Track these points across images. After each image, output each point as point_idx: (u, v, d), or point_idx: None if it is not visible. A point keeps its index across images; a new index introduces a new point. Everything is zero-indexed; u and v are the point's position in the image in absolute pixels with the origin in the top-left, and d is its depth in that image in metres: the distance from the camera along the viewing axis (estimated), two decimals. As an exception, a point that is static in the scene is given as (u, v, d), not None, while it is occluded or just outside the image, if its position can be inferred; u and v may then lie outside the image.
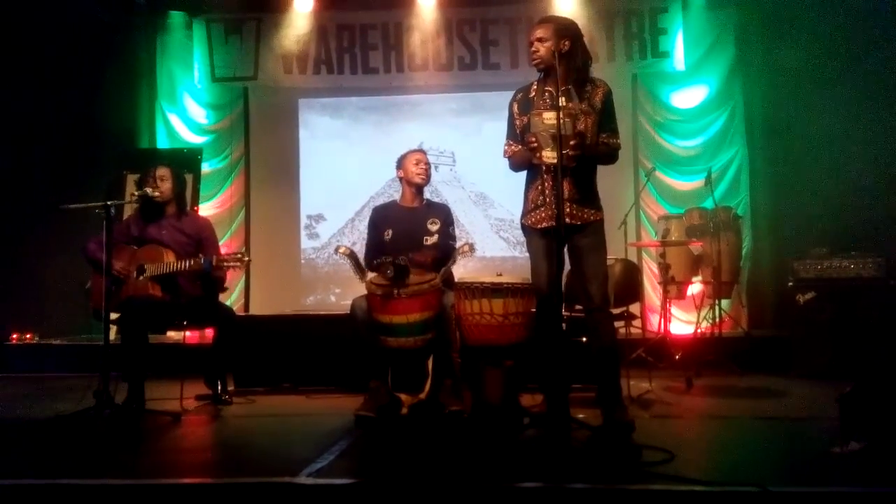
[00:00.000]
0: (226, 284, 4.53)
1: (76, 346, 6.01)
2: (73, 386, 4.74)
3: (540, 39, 3.22)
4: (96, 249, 3.90)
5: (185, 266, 3.95)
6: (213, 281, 4.20)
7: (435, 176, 4.71)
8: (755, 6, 6.72)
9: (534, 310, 3.36)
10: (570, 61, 3.24)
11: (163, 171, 4.21)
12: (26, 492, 2.51)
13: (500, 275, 3.44)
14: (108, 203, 3.69)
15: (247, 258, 3.95)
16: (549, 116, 3.09)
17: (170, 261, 3.99)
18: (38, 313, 6.46)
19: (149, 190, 4.07)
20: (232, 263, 3.92)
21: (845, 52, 5.79)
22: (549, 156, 3.13)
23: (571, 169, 3.16)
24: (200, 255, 4.02)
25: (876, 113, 5.57)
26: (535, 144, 3.13)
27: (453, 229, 4.15)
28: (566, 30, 3.26)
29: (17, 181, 6.36)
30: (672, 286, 5.51)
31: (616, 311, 4.03)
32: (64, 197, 4.02)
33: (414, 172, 4.12)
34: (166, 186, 4.20)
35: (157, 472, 2.70)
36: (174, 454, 3.08)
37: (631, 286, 5.01)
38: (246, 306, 7.24)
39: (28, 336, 6.29)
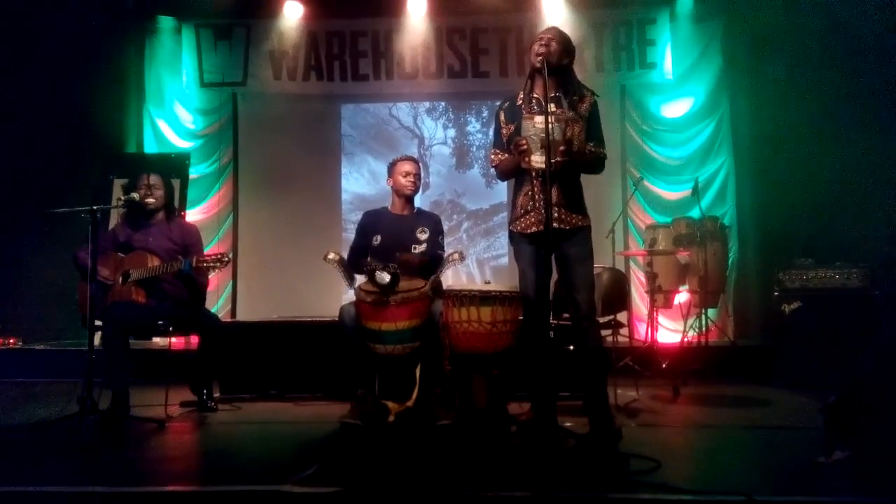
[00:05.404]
0: (212, 289, 4.51)
1: (60, 351, 5.94)
2: (56, 392, 4.70)
3: (552, 39, 3.28)
4: (86, 257, 3.87)
5: (165, 268, 3.93)
6: (195, 285, 4.17)
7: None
8: (743, 18, 6.78)
9: (522, 318, 3.37)
10: (563, 74, 3.32)
11: (155, 179, 4.20)
12: (8, 499, 2.48)
13: (489, 282, 3.44)
14: (95, 207, 3.66)
15: (226, 259, 3.92)
16: (541, 121, 3.11)
17: (154, 265, 3.97)
18: (22, 318, 6.39)
19: (135, 196, 4.04)
20: (211, 264, 3.89)
21: (831, 65, 5.85)
22: (538, 160, 3.15)
23: (559, 175, 3.19)
24: (179, 257, 4.00)
25: (862, 124, 5.62)
26: (525, 147, 3.15)
27: (442, 238, 4.15)
28: (570, 48, 3.36)
29: (2, 185, 6.30)
30: (659, 295, 5.54)
31: (603, 319, 4.03)
32: (50, 201, 3.99)
33: (402, 183, 4.13)
34: (159, 194, 4.19)
35: (141, 480, 2.67)
36: (158, 462, 3.05)
37: (618, 295, 5.01)
38: (233, 312, 7.21)
39: (12, 341, 6.21)
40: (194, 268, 3.88)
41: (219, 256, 3.91)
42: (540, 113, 3.18)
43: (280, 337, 4.82)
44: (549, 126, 3.03)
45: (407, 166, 4.16)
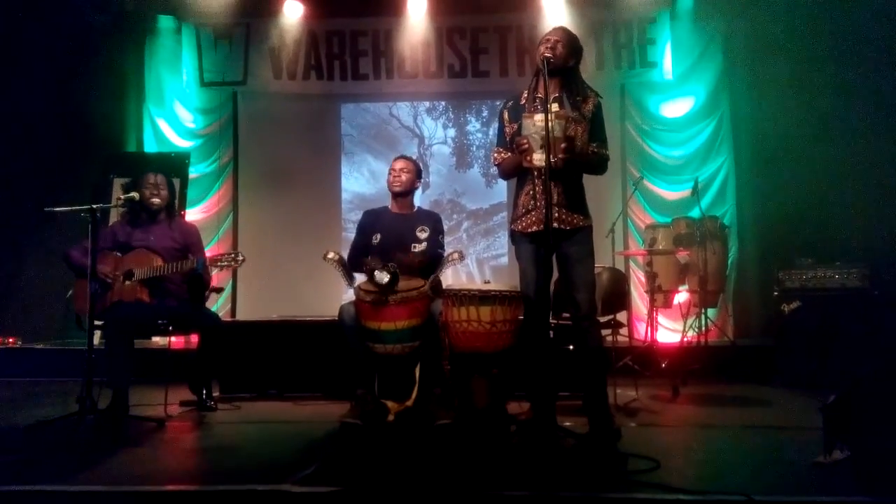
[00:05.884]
0: (215, 285, 4.52)
1: (60, 350, 5.95)
2: (56, 391, 4.71)
3: (558, 41, 3.27)
4: (80, 256, 3.86)
5: (176, 267, 3.93)
6: (201, 284, 4.18)
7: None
8: (742, 18, 6.79)
9: (521, 317, 3.37)
10: (568, 75, 3.31)
11: (161, 179, 4.20)
12: (7, 499, 2.48)
13: (488, 282, 3.44)
14: (94, 206, 3.66)
15: (241, 257, 3.93)
16: (540, 119, 3.11)
17: (160, 264, 3.97)
18: (22, 317, 6.39)
19: (135, 195, 4.03)
20: (225, 263, 3.90)
21: (831, 65, 5.86)
22: (539, 158, 3.14)
23: (561, 175, 3.18)
24: (191, 257, 4.00)
25: (863, 123, 5.63)
26: (526, 146, 3.15)
27: (442, 238, 4.14)
28: (577, 50, 3.35)
29: (2, 184, 6.30)
30: (659, 295, 5.54)
31: (603, 319, 4.03)
32: (49, 200, 3.99)
33: (389, 181, 4.15)
34: (164, 195, 4.20)
35: (140, 479, 2.67)
36: (158, 461, 3.05)
37: (618, 294, 5.01)
38: (233, 311, 7.21)
39: (11, 340, 6.21)
40: (207, 267, 3.89)
41: (233, 255, 3.92)
42: (541, 111, 3.17)
43: (280, 336, 4.82)
44: (549, 124, 3.03)
45: (394, 164, 4.19)
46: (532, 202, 3.29)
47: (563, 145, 3.13)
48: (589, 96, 3.34)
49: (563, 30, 3.38)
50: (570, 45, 3.30)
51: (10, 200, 6.24)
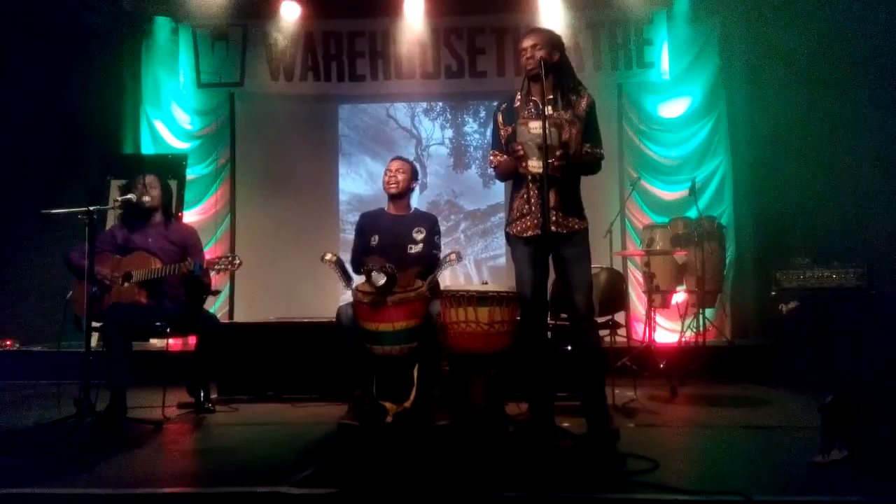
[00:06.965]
0: (214, 288, 4.51)
1: (57, 353, 5.88)
2: (54, 393, 4.69)
3: (534, 46, 3.26)
4: (79, 258, 3.86)
5: (174, 270, 3.93)
6: (199, 286, 4.17)
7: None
8: (739, 18, 6.80)
9: (519, 318, 3.37)
10: (557, 72, 3.29)
11: (151, 179, 4.20)
12: (6, 501, 2.47)
13: (486, 283, 3.44)
14: (91, 208, 3.66)
15: (238, 261, 3.92)
16: (536, 126, 3.11)
17: (158, 266, 3.96)
18: (19, 320, 6.37)
19: (132, 196, 4.03)
20: (222, 266, 3.90)
21: (828, 64, 5.87)
22: (534, 165, 3.15)
23: (557, 179, 3.19)
24: (189, 259, 4.00)
25: (858, 124, 5.64)
26: (522, 153, 3.15)
27: (439, 239, 4.15)
28: (557, 42, 3.32)
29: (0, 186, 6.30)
30: (657, 295, 5.54)
31: (601, 319, 4.04)
32: (47, 202, 3.98)
33: (385, 181, 4.16)
34: (155, 193, 4.19)
35: (138, 482, 2.67)
36: (156, 463, 3.05)
37: (616, 295, 5.02)
38: (230, 313, 7.20)
39: (8, 343, 6.20)
40: (205, 270, 3.88)
41: (229, 258, 3.91)
42: (536, 118, 3.17)
43: (277, 338, 4.81)
44: (547, 131, 3.02)
45: (390, 165, 4.19)
46: (526, 206, 3.29)
47: (558, 153, 3.12)
48: (582, 95, 3.33)
49: (535, 32, 3.36)
50: (548, 43, 3.27)
51: (8, 202, 6.23)
